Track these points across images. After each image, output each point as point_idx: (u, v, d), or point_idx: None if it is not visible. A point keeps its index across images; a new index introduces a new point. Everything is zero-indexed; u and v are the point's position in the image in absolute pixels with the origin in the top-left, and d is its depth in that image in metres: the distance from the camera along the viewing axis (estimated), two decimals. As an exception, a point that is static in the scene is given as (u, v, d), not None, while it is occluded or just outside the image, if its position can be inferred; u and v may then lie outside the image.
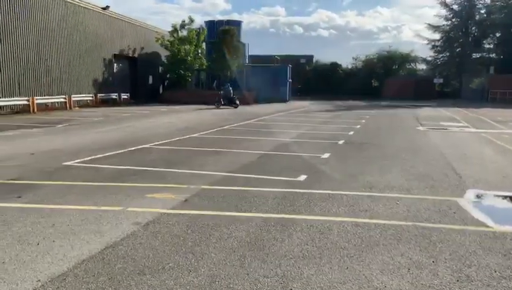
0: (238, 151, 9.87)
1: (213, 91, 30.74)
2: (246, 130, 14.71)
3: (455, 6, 49.70)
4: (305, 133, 14.07)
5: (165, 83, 37.16)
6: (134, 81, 33.77)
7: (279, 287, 3.27)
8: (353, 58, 57.40)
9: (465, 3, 48.87)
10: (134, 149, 10.03)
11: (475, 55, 49.74)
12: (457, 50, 50.35)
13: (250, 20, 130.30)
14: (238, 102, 28.20)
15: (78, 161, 8.43)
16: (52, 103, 24.10)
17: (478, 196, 6.12)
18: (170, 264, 3.64)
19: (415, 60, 55.22)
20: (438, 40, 51.42)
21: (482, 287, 3.32)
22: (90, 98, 27.66)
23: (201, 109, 26.36)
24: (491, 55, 50.04)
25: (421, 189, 6.39)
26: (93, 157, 8.83)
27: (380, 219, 4.90)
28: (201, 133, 13.60)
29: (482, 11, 49.68)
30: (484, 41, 50.11)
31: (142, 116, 20.96)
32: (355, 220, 4.83)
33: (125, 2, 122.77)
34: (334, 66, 53.77)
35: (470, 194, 6.17)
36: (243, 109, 27.29)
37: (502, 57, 47.71)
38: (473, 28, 50.09)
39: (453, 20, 50.18)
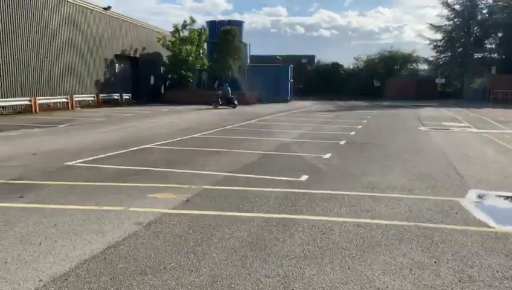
0: (240, 152, 9.87)
1: (214, 91, 30.73)
2: (247, 130, 14.71)
3: (457, 6, 49.63)
4: (307, 133, 14.06)
5: (167, 83, 37.18)
6: (136, 81, 33.81)
7: (281, 287, 3.27)
8: (355, 58, 57.44)
9: (467, 3, 48.78)
10: (136, 149, 10.04)
11: (477, 55, 49.63)
12: (459, 50, 50.26)
13: (252, 21, 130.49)
14: (236, 102, 28.16)
15: (80, 161, 8.44)
16: (54, 103, 24.15)
17: (480, 196, 6.11)
18: (172, 264, 3.64)
19: (416, 60, 55.15)
20: (440, 40, 51.35)
21: (484, 287, 3.31)
22: (92, 99, 27.70)
23: (201, 109, 26.38)
24: (492, 55, 49.94)
25: (422, 189, 6.38)
26: (95, 157, 8.84)
27: (382, 219, 4.90)
28: (203, 133, 13.61)
29: (484, 11, 49.62)
30: (486, 42, 50.00)
31: (144, 116, 20.98)
32: (357, 221, 4.83)
33: (127, 2, 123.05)
34: (336, 66, 53.75)
35: (472, 194, 6.16)
36: (244, 109, 27.30)
37: (503, 57, 47.61)
38: (475, 28, 50.00)
39: (455, 20, 50.08)
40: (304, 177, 7.03)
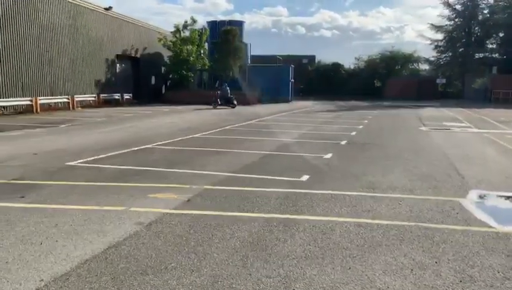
0: (241, 152, 9.87)
1: (215, 91, 30.72)
2: (248, 131, 14.72)
3: (458, 6, 49.55)
4: (308, 134, 14.06)
5: (168, 83, 37.19)
6: (137, 81, 33.84)
7: (282, 287, 3.27)
8: (355, 58, 57.34)
9: (468, 3, 48.70)
10: (137, 149, 10.05)
11: (478, 55, 49.54)
12: (460, 50, 50.17)
13: (252, 21, 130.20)
14: (235, 102, 28.13)
15: (81, 161, 8.45)
16: (55, 103, 24.17)
17: (481, 197, 6.11)
18: (173, 264, 3.64)
19: (417, 60, 55.08)
20: (441, 40, 51.27)
21: (485, 287, 3.31)
22: (93, 99, 27.72)
23: (202, 109, 26.40)
24: (494, 55, 49.85)
25: (423, 189, 6.37)
26: (96, 157, 8.85)
27: (383, 220, 4.89)
28: (204, 133, 13.61)
29: (485, 11, 49.53)
30: (487, 42, 49.91)
31: (145, 116, 21.00)
32: (358, 221, 4.83)
33: (128, 2, 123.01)
34: (337, 66, 53.69)
35: (473, 194, 6.15)
36: (245, 109, 27.30)
37: (505, 57, 47.54)
38: (476, 28, 49.92)
39: (456, 20, 50.00)
40: (305, 178, 7.03)
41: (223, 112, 24.82)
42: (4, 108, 20.54)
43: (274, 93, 35.73)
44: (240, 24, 40.29)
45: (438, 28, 50.80)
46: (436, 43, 51.45)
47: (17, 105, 21.42)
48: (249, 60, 41.05)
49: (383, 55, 53.95)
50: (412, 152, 10.12)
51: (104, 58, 29.47)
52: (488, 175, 7.56)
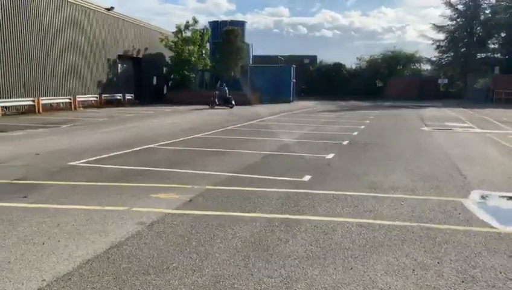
0: (242, 152, 9.88)
1: (214, 92, 30.73)
2: (250, 131, 14.72)
3: (460, 6, 49.42)
4: (309, 134, 14.06)
5: (169, 84, 37.24)
6: (139, 81, 33.88)
7: (284, 287, 3.27)
8: (357, 58, 57.25)
9: (470, 3, 48.59)
10: (139, 149, 10.07)
11: (480, 55, 49.39)
12: (462, 50, 50.04)
13: (254, 21, 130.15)
14: (233, 102, 28.13)
15: (83, 161, 8.47)
16: (57, 103, 24.23)
17: (483, 197, 6.09)
18: (174, 264, 3.65)
19: (419, 60, 54.98)
20: (443, 40, 51.14)
21: (487, 288, 3.30)
22: (95, 99, 27.77)
23: (203, 110, 26.44)
24: (496, 55, 49.71)
25: (425, 190, 6.36)
26: (98, 157, 8.87)
27: (385, 220, 4.89)
28: (205, 133, 13.62)
29: (487, 11, 49.40)
30: (489, 42, 49.77)
31: (147, 116, 21.03)
32: (360, 221, 4.83)
33: (129, 2, 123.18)
34: (338, 66, 53.62)
35: (475, 194, 6.14)
36: (246, 109, 27.31)
37: (507, 57, 47.42)
38: (478, 28, 49.79)
39: (458, 20, 49.87)
40: (307, 178, 7.03)
41: (225, 112, 24.83)
42: (6, 108, 20.59)
43: (275, 94, 35.73)
44: (241, 24, 40.32)
45: (439, 28, 50.68)
46: (438, 43, 51.35)
47: (19, 105, 21.48)
48: (251, 60, 41.07)
49: (384, 55, 53.87)
50: (413, 152, 10.11)
51: (105, 59, 29.52)
52: (490, 175, 7.55)
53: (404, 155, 9.63)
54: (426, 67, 56.45)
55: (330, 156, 9.37)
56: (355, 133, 14.17)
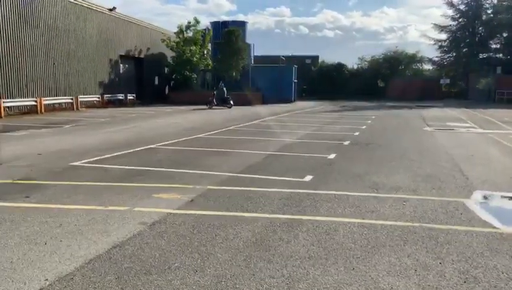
0: (244, 152, 9.88)
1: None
2: (252, 131, 14.72)
3: (462, 7, 49.31)
4: (311, 134, 14.05)
5: (171, 84, 37.28)
6: (140, 82, 33.93)
7: (285, 287, 3.27)
8: (359, 58, 57.21)
9: (472, 3, 48.48)
10: (140, 149, 10.08)
11: (482, 56, 49.28)
12: (464, 50, 49.93)
13: (255, 21, 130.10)
14: (231, 102, 28.15)
15: (85, 161, 8.49)
16: (59, 103, 24.28)
17: (485, 197, 6.08)
18: (176, 264, 3.65)
19: (421, 60, 54.89)
20: (445, 41, 51.03)
21: (490, 288, 3.30)
22: (97, 99, 27.82)
23: (204, 110, 26.47)
24: (498, 56, 49.59)
25: (427, 190, 6.36)
26: (100, 157, 8.89)
27: (387, 220, 4.88)
28: (207, 133, 13.63)
29: (489, 11, 49.27)
30: (491, 42, 49.65)
31: (148, 116, 21.05)
32: (362, 221, 4.82)
33: (131, 3, 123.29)
34: (340, 66, 53.56)
35: (477, 195, 6.13)
36: (248, 109, 27.32)
37: (509, 57, 47.30)
38: (480, 28, 49.67)
39: (460, 20, 49.77)
40: (308, 178, 7.03)
41: (226, 112, 24.84)
42: (9, 108, 20.65)
43: (277, 94, 35.73)
44: (243, 24, 40.32)
45: (441, 28, 50.59)
46: (439, 43, 51.24)
47: (22, 105, 21.54)
48: (252, 60, 41.06)
49: (386, 55, 53.81)
50: (415, 152, 10.10)
51: (107, 59, 29.57)
52: (492, 176, 7.53)
53: (406, 155, 9.62)
54: (428, 67, 56.39)
55: (332, 156, 9.36)
56: (357, 134, 14.16)
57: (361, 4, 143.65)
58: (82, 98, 25.92)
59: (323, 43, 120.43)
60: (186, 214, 5.05)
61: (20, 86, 21.58)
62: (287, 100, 36.77)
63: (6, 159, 8.63)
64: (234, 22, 40.17)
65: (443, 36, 51.00)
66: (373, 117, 21.78)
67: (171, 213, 5.04)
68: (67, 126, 16.06)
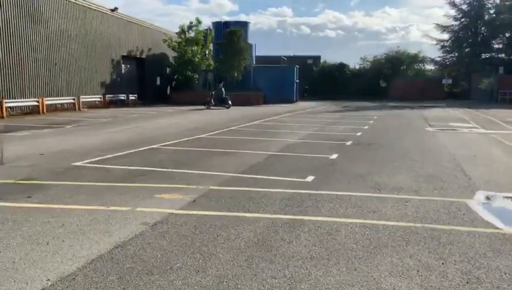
0: (246, 152, 9.88)
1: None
2: (254, 131, 14.72)
3: (464, 6, 49.17)
4: (313, 134, 14.04)
5: (173, 84, 37.31)
6: (142, 82, 33.97)
7: (287, 288, 3.26)
8: (361, 58, 57.14)
9: (474, 3, 48.35)
10: (142, 150, 10.09)
11: (484, 56, 49.15)
12: (466, 50, 49.79)
13: (257, 21, 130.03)
14: (230, 102, 28.17)
15: (88, 161, 8.50)
16: (61, 104, 24.32)
17: (488, 198, 6.07)
18: (178, 265, 3.65)
19: (423, 60, 54.76)
20: (447, 41, 50.91)
21: (492, 289, 3.29)
22: (99, 99, 27.86)
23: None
24: (500, 56, 49.45)
25: (430, 190, 6.34)
26: (102, 157, 8.90)
27: (389, 220, 4.87)
28: (209, 133, 13.64)
29: (491, 11, 49.14)
30: (493, 42, 49.50)
31: (150, 116, 21.07)
32: (364, 222, 4.81)
33: (133, 3, 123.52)
34: (342, 66, 53.47)
35: (480, 195, 6.12)
36: (250, 109, 27.32)
37: (511, 57, 47.19)
38: (482, 28, 49.53)
39: (462, 20, 49.64)
40: (310, 178, 7.02)
41: (227, 112, 24.84)
42: (11, 108, 20.70)
43: (279, 94, 35.71)
44: (244, 25, 40.34)
45: (443, 28, 50.47)
46: (442, 43, 51.12)
47: (24, 106, 21.59)
48: (254, 60, 41.08)
49: (388, 55, 53.68)
50: (418, 153, 10.07)
51: (109, 59, 29.61)
52: (495, 176, 7.51)
53: (408, 156, 9.60)
54: (430, 67, 56.23)
55: (334, 156, 9.35)
56: (359, 134, 14.14)
57: (363, 4, 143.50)
58: (84, 98, 25.96)
59: (325, 43, 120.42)
60: (188, 214, 5.05)
61: (22, 87, 21.64)
62: (289, 100, 36.75)
63: (8, 160, 8.65)
64: (236, 22, 40.23)
65: (445, 36, 50.92)
66: (375, 117, 21.75)
67: (173, 213, 5.04)
68: (69, 126, 16.09)
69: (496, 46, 49.79)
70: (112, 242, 4.14)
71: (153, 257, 3.80)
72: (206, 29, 37.02)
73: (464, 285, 3.34)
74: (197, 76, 36.15)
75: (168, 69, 36.67)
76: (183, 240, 4.21)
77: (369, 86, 48.80)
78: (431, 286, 3.31)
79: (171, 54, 35.86)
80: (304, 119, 20.32)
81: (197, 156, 9.33)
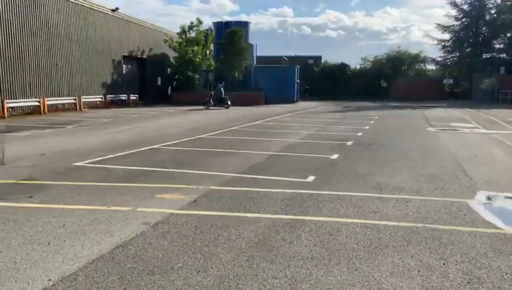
0: (247, 152, 9.88)
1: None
2: (254, 131, 14.72)
3: (465, 6, 49.12)
4: (314, 134, 14.04)
5: (174, 84, 37.32)
6: (143, 82, 33.97)
7: (288, 288, 3.26)
8: (362, 58, 57.06)
9: (475, 3, 48.29)
10: (143, 150, 10.10)
11: (485, 56, 49.08)
12: (468, 50, 49.72)
13: (258, 21, 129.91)
14: (229, 102, 28.20)
15: (89, 161, 8.51)
16: (62, 104, 24.34)
17: (489, 198, 6.06)
18: (179, 265, 3.66)
19: (424, 60, 54.71)
20: (448, 41, 50.84)
21: (493, 289, 3.28)
22: (100, 100, 27.88)
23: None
24: (501, 56, 49.37)
25: (431, 190, 6.34)
26: (103, 157, 8.91)
27: (390, 221, 4.87)
28: (210, 133, 13.64)
29: (493, 11, 49.08)
30: (494, 42, 49.43)
31: (151, 117, 21.09)
32: (365, 222, 4.81)
33: (134, 3, 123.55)
34: (343, 66, 53.43)
35: (481, 195, 6.11)
36: (251, 109, 27.32)
37: (512, 57, 47.18)
38: (483, 28, 49.47)
39: (463, 20, 49.58)
40: (311, 178, 7.02)
41: (229, 112, 24.85)
42: (13, 109, 20.73)
43: (279, 94, 35.70)
44: (245, 25, 40.36)
45: (445, 28, 50.41)
46: (443, 43, 51.07)
47: (25, 106, 21.62)
48: (255, 60, 41.09)
49: (389, 55, 53.64)
50: (419, 153, 10.07)
51: (110, 59, 29.63)
52: (496, 176, 7.50)
53: (409, 156, 9.59)
54: (431, 67, 56.17)
55: (335, 156, 9.35)
56: (360, 134, 14.14)
57: (364, 4, 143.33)
58: (85, 98, 25.98)
59: (325, 43, 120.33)
60: (189, 214, 5.05)
61: (23, 87, 21.66)
62: (290, 100, 36.74)
63: (9, 160, 8.66)
64: (237, 22, 40.26)
65: (446, 36, 50.86)
66: (376, 117, 21.74)
67: (173, 213, 5.04)
68: (70, 126, 16.11)
69: (497, 46, 49.72)
70: (113, 242, 4.14)
71: (154, 257, 3.80)
72: (207, 30, 37.03)
73: (465, 285, 3.33)
74: (197, 76, 36.15)
75: (169, 69, 36.67)
76: (184, 240, 4.22)
77: (370, 86, 48.78)
78: (432, 286, 3.31)
79: (172, 54, 35.87)
80: (304, 120, 20.32)
81: (197, 156, 9.33)
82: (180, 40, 34.93)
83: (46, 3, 23.18)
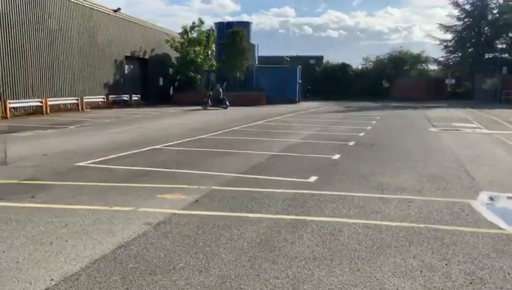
0: (248, 152, 9.88)
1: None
2: (256, 131, 14.72)
3: (467, 6, 49.03)
4: (315, 134, 14.03)
5: (175, 85, 37.35)
6: (145, 82, 34.02)
7: (290, 288, 3.26)
8: (363, 58, 56.98)
9: (478, 3, 48.18)
10: (145, 150, 10.11)
11: (488, 56, 48.96)
12: (470, 50, 49.60)
13: (260, 21, 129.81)
14: (228, 103, 28.22)
15: (91, 161, 8.52)
16: (64, 104, 24.39)
17: (491, 198, 6.04)
18: (181, 265, 3.66)
19: (426, 60, 54.62)
20: (450, 41, 50.73)
21: (496, 290, 3.27)
22: (102, 100, 27.92)
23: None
24: (503, 56, 49.24)
25: (433, 191, 6.32)
26: (105, 158, 8.92)
27: (392, 221, 4.86)
28: (211, 134, 13.65)
29: (495, 11, 48.96)
30: (497, 42, 49.30)
31: (153, 117, 21.11)
32: (367, 222, 4.81)
33: (136, 4, 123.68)
34: (344, 66, 53.38)
35: (483, 196, 6.09)
36: (252, 110, 27.33)
37: (514, 57, 47.05)
38: (486, 28, 49.34)
39: (465, 20, 49.48)
40: (313, 178, 7.02)
41: (229, 112, 24.86)
42: (15, 109, 20.78)
43: (281, 94, 35.69)
44: (247, 25, 40.32)
45: (447, 28, 50.31)
46: (445, 43, 50.96)
47: (28, 106, 21.67)
48: (256, 60, 41.04)
49: (391, 55, 53.57)
50: (421, 153, 10.05)
51: (112, 60, 29.69)
52: (498, 176, 7.48)
53: (411, 156, 9.58)
54: (433, 67, 56.06)
55: (336, 156, 9.34)
56: (362, 134, 14.12)
57: (365, 4, 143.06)
58: (87, 98, 26.03)
59: (327, 44, 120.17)
60: (190, 214, 5.05)
61: (25, 87, 21.71)
62: (291, 101, 36.72)
63: (12, 160, 8.69)
64: (238, 23, 40.22)
65: (448, 36, 50.74)
66: (378, 117, 21.71)
67: (175, 213, 5.05)
68: (72, 127, 16.14)
69: (500, 46, 49.58)
70: (115, 242, 4.15)
71: (156, 257, 3.81)
72: (209, 30, 37.06)
73: (468, 286, 3.32)
74: (199, 76, 36.18)
75: (170, 70, 36.72)
76: (186, 240, 4.22)
77: (372, 86, 48.73)
78: (434, 287, 3.30)
79: (174, 55, 35.91)
80: (306, 120, 20.31)
81: (199, 156, 9.34)
82: (182, 40, 34.97)
83: (49, 5, 23.23)
